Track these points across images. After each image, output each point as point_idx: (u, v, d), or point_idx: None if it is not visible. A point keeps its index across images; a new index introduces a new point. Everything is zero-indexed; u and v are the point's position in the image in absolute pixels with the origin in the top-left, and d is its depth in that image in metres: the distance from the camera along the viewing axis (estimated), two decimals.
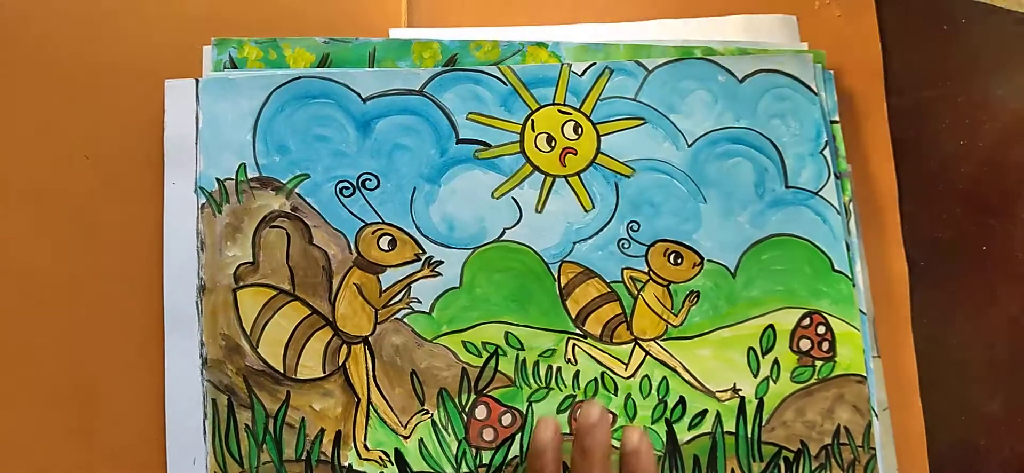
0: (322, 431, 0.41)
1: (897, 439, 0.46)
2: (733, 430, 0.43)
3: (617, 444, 0.41)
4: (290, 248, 0.42)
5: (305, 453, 0.40)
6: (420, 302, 0.42)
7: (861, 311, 0.45)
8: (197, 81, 0.43)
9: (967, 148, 0.51)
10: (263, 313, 0.41)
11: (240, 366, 0.41)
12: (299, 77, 0.44)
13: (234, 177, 0.42)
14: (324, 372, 0.41)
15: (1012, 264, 0.49)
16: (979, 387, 0.48)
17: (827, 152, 0.47)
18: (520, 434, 0.42)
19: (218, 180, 0.42)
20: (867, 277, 0.47)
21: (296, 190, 0.43)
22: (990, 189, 0.50)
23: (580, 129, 0.45)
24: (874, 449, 0.43)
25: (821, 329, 0.45)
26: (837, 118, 0.48)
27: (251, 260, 0.42)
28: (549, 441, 0.38)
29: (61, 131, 0.43)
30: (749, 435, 0.43)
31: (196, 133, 0.43)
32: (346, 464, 0.40)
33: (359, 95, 0.44)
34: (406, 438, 0.41)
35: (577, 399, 0.43)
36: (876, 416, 0.44)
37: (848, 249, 0.46)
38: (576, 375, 0.43)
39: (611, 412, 0.42)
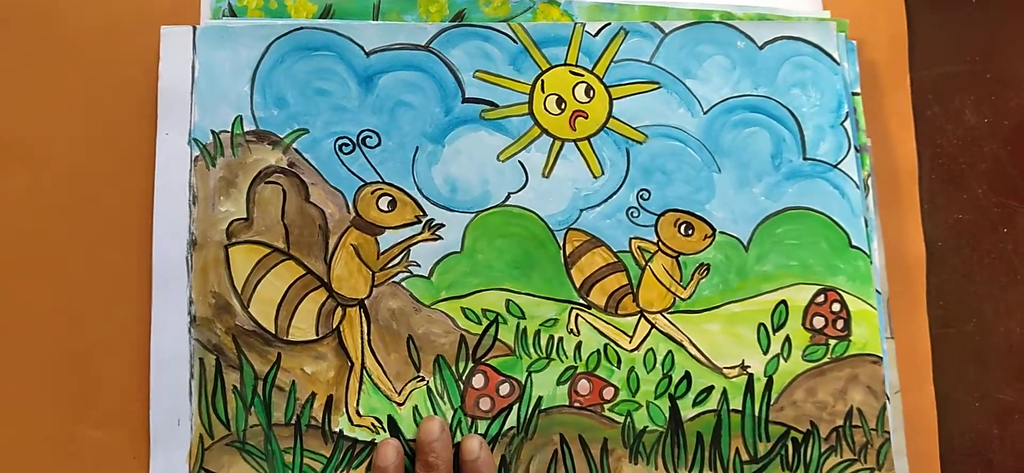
0: (313, 395, 0.39)
1: (907, 423, 0.44)
2: (739, 408, 0.42)
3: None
4: (286, 205, 0.40)
5: (295, 417, 0.39)
6: (419, 266, 0.41)
7: (876, 291, 0.44)
8: (194, 29, 0.41)
9: (991, 126, 0.49)
10: (255, 271, 0.40)
11: (230, 325, 0.39)
12: (300, 28, 0.42)
13: (230, 130, 0.41)
14: (317, 334, 0.40)
15: None
16: (994, 373, 0.46)
17: (848, 124, 0.45)
18: (518, 404, 0.40)
19: (213, 132, 0.41)
20: (883, 256, 0.45)
21: (294, 145, 0.41)
22: (1014, 170, 0.48)
23: (592, 92, 0.43)
24: (888, 433, 0.42)
25: (836, 307, 0.43)
26: (858, 90, 0.46)
27: (245, 216, 0.40)
28: (391, 462, 0.37)
29: (52, 76, 0.42)
30: (756, 414, 0.42)
31: (192, 83, 0.41)
32: (337, 430, 0.39)
33: (362, 49, 0.42)
34: (400, 405, 0.40)
35: (578, 371, 0.41)
36: (888, 399, 0.43)
37: (866, 225, 0.44)
38: (578, 346, 0.41)
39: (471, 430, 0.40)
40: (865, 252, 0.44)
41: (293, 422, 0.39)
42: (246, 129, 0.41)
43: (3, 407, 0.39)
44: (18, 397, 0.39)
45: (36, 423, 0.39)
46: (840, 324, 0.43)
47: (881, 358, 0.43)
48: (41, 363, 0.40)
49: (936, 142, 0.48)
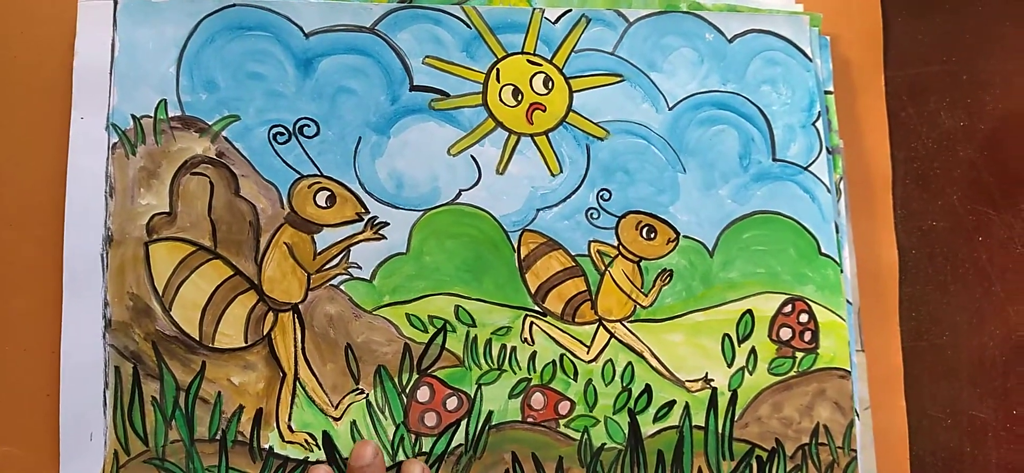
0: (241, 408, 0.36)
1: (877, 440, 0.42)
2: (702, 424, 0.39)
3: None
4: (213, 199, 0.37)
5: (220, 432, 0.36)
6: (360, 268, 0.38)
7: (847, 301, 0.41)
8: (115, 2, 0.37)
9: (967, 130, 0.47)
10: (178, 271, 0.36)
11: (149, 330, 0.36)
12: (233, 5, 0.38)
13: (152, 115, 0.37)
14: (246, 342, 0.36)
15: (1010, 259, 0.45)
16: (968, 389, 0.44)
17: (820, 124, 0.42)
18: (467, 420, 0.37)
19: (134, 117, 0.37)
20: (854, 264, 0.43)
21: (223, 133, 0.37)
22: (990, 177, 0.46)
23: (551, 83, 0.40)
24: (854, 451, 0.40)
25: (804, 317, 0.41)
26: (831, 89, 0.44)
27: (167, 210, 0.37)
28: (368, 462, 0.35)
29: None
30: (720, 430, 0.39)
31: (111, 62, 0.37)
32: (266, 446, 0.36)
33: (301, 29, 0.39)
34: (337, 420, 0.37)
35: (532, 383, 0.38)
36: (858, 415, 0.40)
37: (837, 231, 0.42)
38: (532, 357, 0.38)
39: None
40: (835, 260, 0.41)
41: (218, 437, 0.36)
42: (171, 114, 0.37)
43: None
44: None
45: None
46: (808, 336, 0.41)
47: (849, 372, 0.41)
48: None
49: (910, 145, 0.46)
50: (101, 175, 0.36)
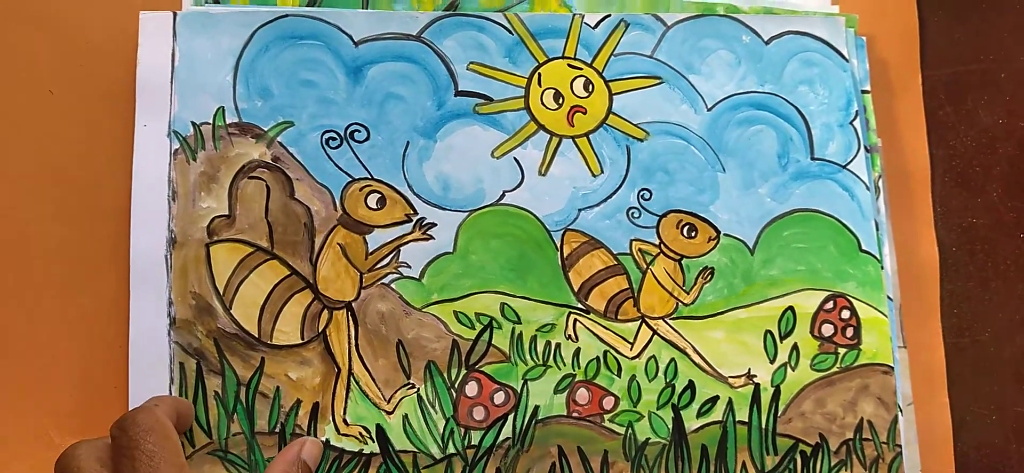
0: (298, 402, 0.37)
1: (921, 436, 0.42)
2: (746, 420, 0.40)
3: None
4: (269, 202, 0.38)
5: (279, 425, 0.37)
6: (409, 267, 0.39)
7: (888, 298, 0.42)
8: (174, 14, 0.39)
9: (1007, 127, 0.47)
10: (238, 271, 0.38)
11: (211, 328, 0.37)
12: (286, 15, 0.40)
13: (211, 122, 0.39)
14: (302, 338, 0.38)
15: None
16: (1012, 385, 0.44)
17: (857, 123, 0.43)
18: (514, 414, 0.38)
19: (194, 124, 0.39)
20: (895, 262, 0.43)
21: (278, 139, 0.39)
22: None
23: (591, 86, 0.42)
24: (899, 446, 0.40)
25: (846, 314, 0.41)
26: (868, 88, 0.44)
27: (227, 213, 0.38)
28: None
29: (24, 62, 0.40)
30: (763, 426, 0.40)
31: (171, 72, 0.39)
32: (323, 439, 0.37)
33: (351, 38, 0.40)
34: (389, 414, 0.38)
35: (577, 379, 0.39)
36: (901, 411, 0.41)
37: (877, 228, 0.42)
38: (577, 353, 0.39)
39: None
40: (876, 257, 0.42)
41: (277, 430, 0.37)
42: (228, 121, 0.39)
43: None
44: None
45: (10, 429, 0.37)
46: (850, 332, 0.41)
47: (892, 368, 0.41)
48: (13, 363, 0.38)
49: (949, 143, 0.47)
50: (164, 179, 0.38)
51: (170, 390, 0.37)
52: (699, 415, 0.39)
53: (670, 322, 0.40)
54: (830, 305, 0.41)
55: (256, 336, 0.37)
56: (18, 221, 0.39)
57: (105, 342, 0.38)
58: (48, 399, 0.37)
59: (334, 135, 0.39)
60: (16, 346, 0.38)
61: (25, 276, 0.38)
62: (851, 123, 0.43)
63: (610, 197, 0.41)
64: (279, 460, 0.35)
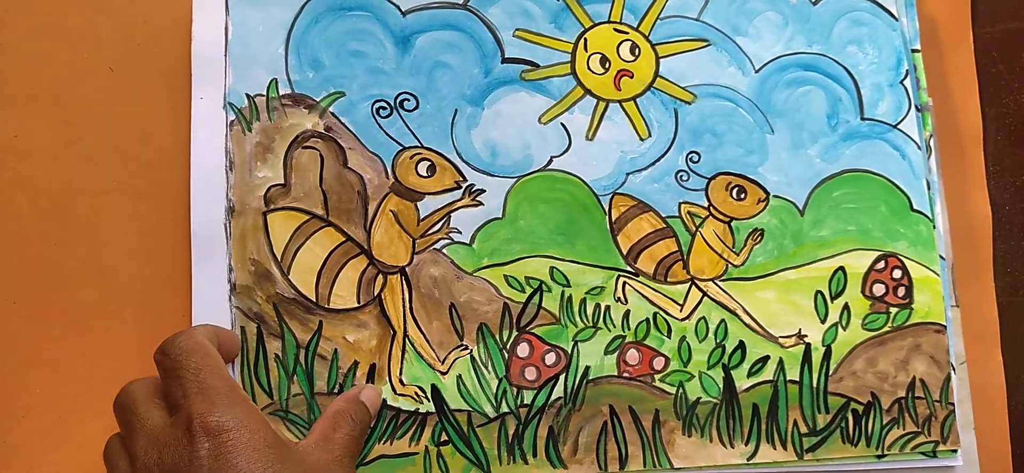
0: (355, 364, 0.38)
1: (974, 395, 0.42)
2: (797, 379, 0.40)
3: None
4: (323, 171, 0.39)
5: (338, 386, 0.38)
6: (460, 232, 0.40)
7: (940, 256, 0.41)
8: None
9: None
10: (295, 238, 0.39)
11: (270, 293, 0.38)
12: None
13: (265, 93, 0.40)
14: (358, 302, 0.39)
15: None
16: None
17: (908, 82, 0.42)
18: (565, 374, 0.39)
19: (248, 96, 0.40)
20: (947, 220, 0.43)
21: (330, 109, 0.40)
22: None
23: (637, 50, 0.42)
24: (952, 404, 0.40)
25: (897, 273, 0.41)
26: (918, 47, 0.44)
27: (282, 182, 0.39)
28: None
29: (84, 40, 0.41)
30: (814, 385, 0.40)
31: (225, 45, 0.40)
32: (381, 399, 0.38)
33: (398, 8, 0.41)
34: (444, 374, 0.39)
35: (627, 340, 0.40)
36: (954, 369, 0.40)
37: (928, 188, 0.42)
38: (626, 315, 0.40)
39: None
40: (927, 216, 0.41)
41: (336, 391, 0.38)
42: (281, 92, 0.40)
43: (43, 367, 0.39)
44: (61, 360, 0.39)
45: (82, 394, 0.39)
46: (901, 291, 0.41)
47: (945, 327, 0.41)
48: (82, 326, 0.39)
49: (1002, 102, 0.46)
50: (221, 150, 0.39)
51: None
52: (750, 375, 0.40)
53: (720, 284, 0.40)
54: (881, 265, 0.41)
55: (314, 300, 0.38)
56: (85, 194, 0.40)
57: (170, 309, 0.39)
58: (116, 364, 0.39)
59: (384, 104, 0.40)
60: (86, 314, 0.39)
61: (93, 248, 0.40)
62: (901, 82, 0.42)
63: (658, 160, 0.41)
64: (341, 398, 0.36)
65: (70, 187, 0.40)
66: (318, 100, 0.40)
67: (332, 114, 0.40)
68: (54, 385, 0.39)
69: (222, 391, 0.32)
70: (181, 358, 0.32)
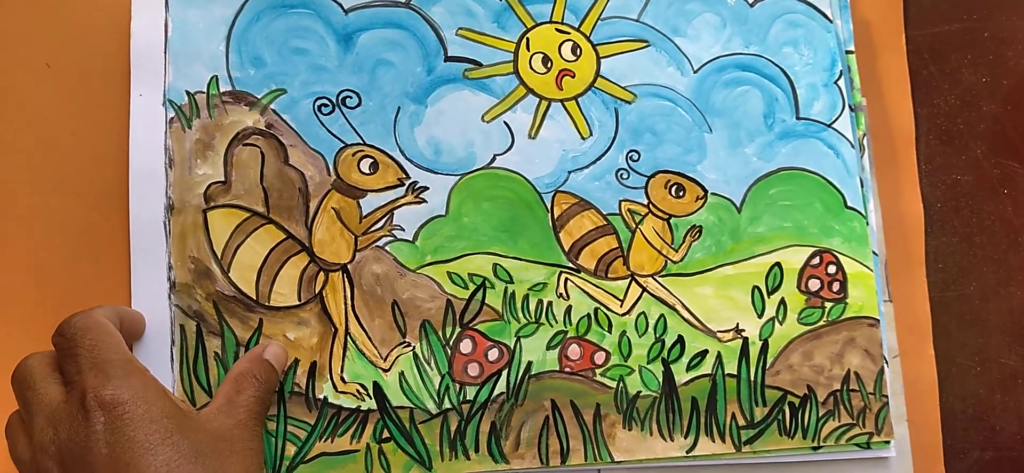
0: (296, 361, 0.38)
1: (908, 387, 0.43)
2: (734, 373, 0.40)
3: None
4: (264, 168, 0.39)
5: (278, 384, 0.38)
6: (403, 230, 0.40)
7: (873, 253, 0.43)
8: None
9: (990, 85, 0.47)
10: (235, 236, 0.38)
11: (210, 291, 0.38)
12: None
13: (205, 90, 0.39)
14: (299, 300, 0.39)
15: None
16: (996, 338, 0.45)
17: (842, 83, 0.44)
18: (508, 370, 0.39)
19: (188, 93, 0.39)
20: (880, 218, 0.44)
21: (271, 106, 0.40)
22: (1013, 131, 0.47)
23: (579, 50, 0.42)
24: (886, 397, 0.41)
25: (832, 268, 0.42)
26: (852, 48, 0.45)
27: (223, 179, 0.39)
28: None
29: (20, 36, 0.40)
30: (752, 378, 0.40)
31: (165, 42, 0.40)
32: (321, 396, 0.38)
33: (341, 6, 0.41)
34: (386, 371, 0.39)
35: (569, 335, 0.40)
36: (887, 363, 0.42)
37: (862, 185, 0.43)
38: (568, 310, 0.40)
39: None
40: (861, 213, 0.42)
41: (276, 390, 0.38)
42: (222, 89, 0.40)
43: None
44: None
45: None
46: (836, 286, 0.42)
47: (878, 321, 0.42)
48: (19, 326, 0.38)
49: (933, 102, 0.47)
50: (160, 148, 0.39)
51: (172, 352, 0.38)
52: (689, 368, 0.40)
53: (659, 279, 0.41)
54: (816, 260, 0.42)
55: (254, 298, 0.38)
56: (20, 193, 0.40)
57: None
58: None
59: (326, 101, 0.40)
60: (23, 314, 0.39)
61: (28, 247, 0.39)
62: (835, 83, 0.44)
63: (599, 159, 0.42)
64: (244, 359, 0.36)
65: (5, 185, 0.40)
66: (259, 97, 0.40)
67: (273, 111, 0.40)
68: None
69: (117, 364, 0.32)
70: (77, 336, 0.32)
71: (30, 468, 0.32)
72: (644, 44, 0.43)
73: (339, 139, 0.40)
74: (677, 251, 0.41)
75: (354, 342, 0.39)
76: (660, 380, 0.40)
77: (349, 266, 0.39)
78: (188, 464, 0.31)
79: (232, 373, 0.35)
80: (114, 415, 0.30)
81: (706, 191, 0.42)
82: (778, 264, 0.42)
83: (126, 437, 0.30)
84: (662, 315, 0.41)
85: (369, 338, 0.39)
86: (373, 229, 0.40)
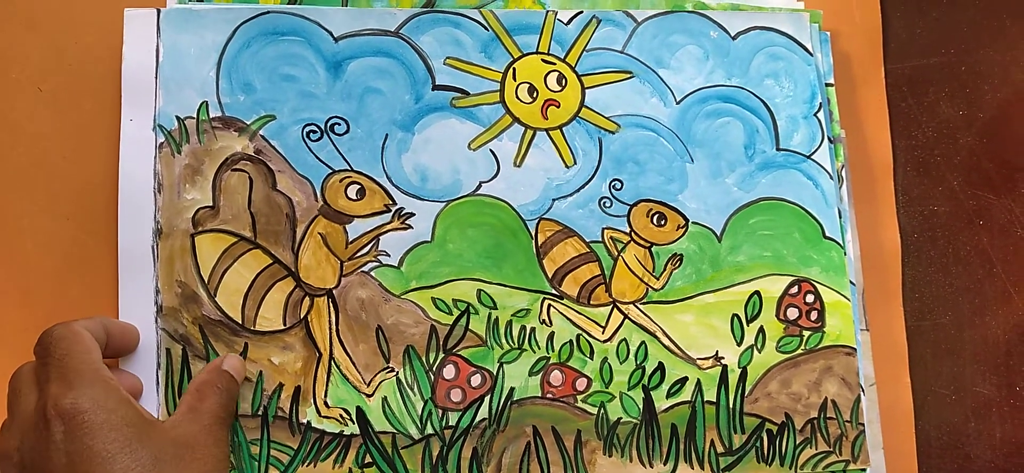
0: (280, 386, 0.39)
1: (884, 415, 0.44)
2: (714, 400, 0.41)
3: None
4: (252, 193, 0.40)
5: (262, 408, 0.38)
6: (388, 255, 0.40)
7: (851, 282, 0.43)
8: (158, 11, 0.41)
9: (966, 118, 0.49)
10: (222, 260, 0.39)
11: (196, 315, 0.38)
12: (267, 12, 0.41)
13: (195, 116, 0.40)
14: (284, 324, 0.39)
15: (1010, 242, 0.47)
16: (971, 367, 0.46)
17: (821, 115, 0.45)
18: (490, 396, 0.40)
19: (178, 118, 0.40)
20: (858, 248, 0.45)
21: (260, 132, 0.40)
22: (989, 163, 0.48)
23: (564, 80, 0.43)
24: (862, 425, 0.42)
25: (810, 298, 0.43)
26: (832, 81, 0.46)
27: (211, 204, 0.39)
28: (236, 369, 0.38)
29: (12, 60, 0.41)
30: (731, 405, 0.41)
31: (156, 67, 0.40)
32: (305, 421, 0.38)
33: (331, 34, 0.42)
34: (369, 396, 0.39)
35: (551, 362, 0.41)
36: (863, 391, 0.42)
37: (840, 216, 0.44)
38: (551, 337, 0.41)
39: None
40: (839, 243, 0.43)
41: (260, 413, 0.38)
42: (212, 115, 0.40)
43: None
44: None
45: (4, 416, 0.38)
46: (814, 315, 0.43)
47: (855, 350, 0.43)
48: (11, 355, 0.39)
49: (911, 134, 0.48)
50: (150, 172, 0.39)
51: (157, 375, 0.38)
52: (669, 395, 0.41)
53: (640, 307, 0.42)
54: (795, 290, 0.43)
55: (240, 322, 0.39)
56: (10, 215, 0.40)
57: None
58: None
59: (315, 128, 0.41)
60: (10, 334, 0.39)
61: (18, 268, 0.40)
62: (815, 115, 0.44)
63: (583, 187, 0.42)
64: (204, 371, 0.37)
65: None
66: (248, 123, 0.40)
67: (262, 137, 0.40)
68: None
69: (83, 373, 0.32)
70: (50, 345, 0.33)
71: None
72: (628, 75, 0.43)
73: (327, 165, 0.41)
74: (658, 279, 0.42)
75: (338, 367, 0.39)
76: (640, 407, 0.41)
77: (334, 291, 0.40)
78: (146, 472, 0.31)
79: (194, 384, 0.36)
80: (73, 424, 0.31)
81: (687, 220, 0.43)
82: (757, 293, 0.42)
83: (84, 446, 0.31)
84: (643, 342, 0.41)
85: (353, 363, 0.39)
86: (359, 255, 0.40)
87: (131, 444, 0.32)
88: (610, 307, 0.41)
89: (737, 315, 0.42)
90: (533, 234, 0.41)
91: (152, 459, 0.32)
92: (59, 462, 0.31)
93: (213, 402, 0.35)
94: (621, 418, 0.40)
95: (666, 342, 0.41)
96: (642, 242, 0.42)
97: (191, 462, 0.33)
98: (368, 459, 0.38)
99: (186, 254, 0.39)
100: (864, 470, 0.42)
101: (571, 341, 0.41)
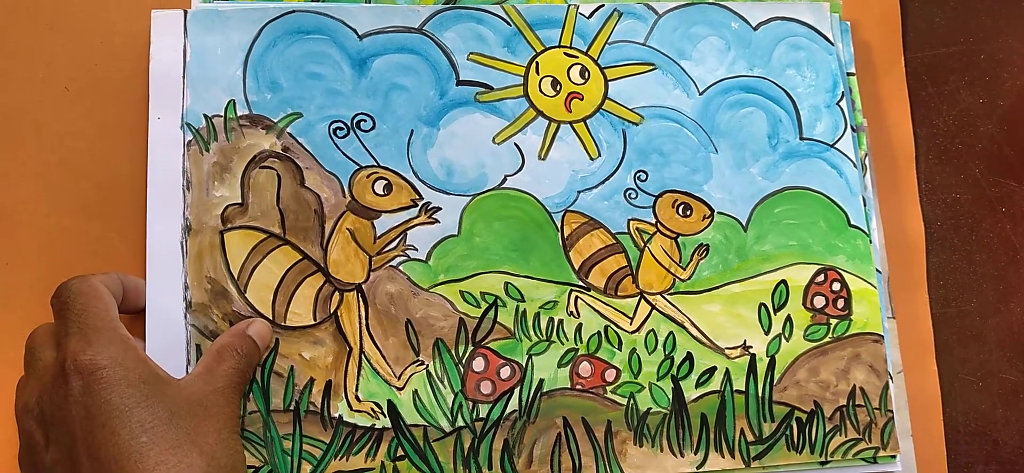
0: (312, 380, 0.39)
1: (911, 403, 0.44)
2: (743, 389, 0.41)
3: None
4: (281, 190, 0.40)
5: (294, 403, 0.38)
6: (416, 249, 0.40)
7: (877, 269, 0.43)
8: (185, 12, 0.41)
9: (987, 106, 0.49)
10: (251, 257, 0.39)
11: (226, 311, 0.39)
12: (292, 11, 0.41)
13: (223, 114, 0.40)
14: (315, 319, 0.39)
15: None
16: (997, 353, 0.46)
17: (844, 104, 0.45)
18: (520, 388, 0.40)
19: (206, 117, 0.40)
20: (882, 236, 0.45)
21: (288, 129, 0.41)
22: (1010, 150, 0.48)
23: (587, 73, 0.43)
24: (891, 411, 0.42)
25: (836, 286, 0.43)
26: (853, 70, 0.46)
27: (240, 201, 0.40)
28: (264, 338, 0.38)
29: (39, 59, 0.41)
30: (760, 394, 0.41)
31: (183, 67, 0.40)
32: (336, 415, 0.38)
33: (355, 32, 0.42)
34: (400, 390, 0.39)
35: (579, 353, 0.41)
36: (891, 378, 0.42)
37: (865, 204, 0.44)
38: (578, 328, 0.41)
39: None
40: (864, 231, 0.43)
41: (292, 408, 0.38)
42: (239, 113, 0.40)
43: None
44: (11, 389, 0.39)
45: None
46: (841, 303, 0.43)
47: (882, 337, 0.42)
48: None
49: (932, 123, 0.48)
50: (178, 170, 0.40)
51: (187, 371, 0.38)
52: (698, 385, 0.41)
53: (668, 297, 0.42)
54: (821, 278, 0.43)
55: (270, 318, 0.39)
56: (40, 214, 0.40)
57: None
58: None
59: (341, 125, 0.41)
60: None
61: (49, 267, 0.40)
62: (837, 104, 0.45)
63: (608, 179, 0.42)
64: (227, 333, 0.37)
65: (25, 205, 0.40)
66: (276, 121, 0.41)
67: (289, 134, 0.41)
68: (6, 407, 0.39)
69: (102, 330, 0.33)
70: (68, 300, 0.33)
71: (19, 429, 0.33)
72: (651, 67, 0.44)
73: (354, 161, 0.41)
74: (685, 269, 0.42)
75: (368, 361, 0.39)
76: (670, 397, 0.41)
77: (363, 286, 0.40)
78: (162, 426, 0.32)
79: (215, 345, 0.37)
80: (92, 379, 0.31)
81: (713, 210, 0.43)
82: (784, 282, 0.42)
83: (102, 400, 0.31)
84: (671, 332, 0.41)
85: (383, 357, 0.39)
86: (387, 249, 0.40)
87: (148, 399, 0.32)
88: (637, 298, 0.42)
89: (764, 304, 0.42)
90: (559, 226, 0.42)
91: (168, 414, 0.32)
92: (78, 415, 0.31)
93: (229, 366, 0.36)
94: (651, 408, 0.40)
95: (694, 332, 0.41)
96: (668, 233, 0.42)
97: (204, 419, 0.34)
98: (400, 452, 0.38)
99: (215, 250, 0.39)
100: (894, 457, 0.42)
101: (599, 332, 0.41)
